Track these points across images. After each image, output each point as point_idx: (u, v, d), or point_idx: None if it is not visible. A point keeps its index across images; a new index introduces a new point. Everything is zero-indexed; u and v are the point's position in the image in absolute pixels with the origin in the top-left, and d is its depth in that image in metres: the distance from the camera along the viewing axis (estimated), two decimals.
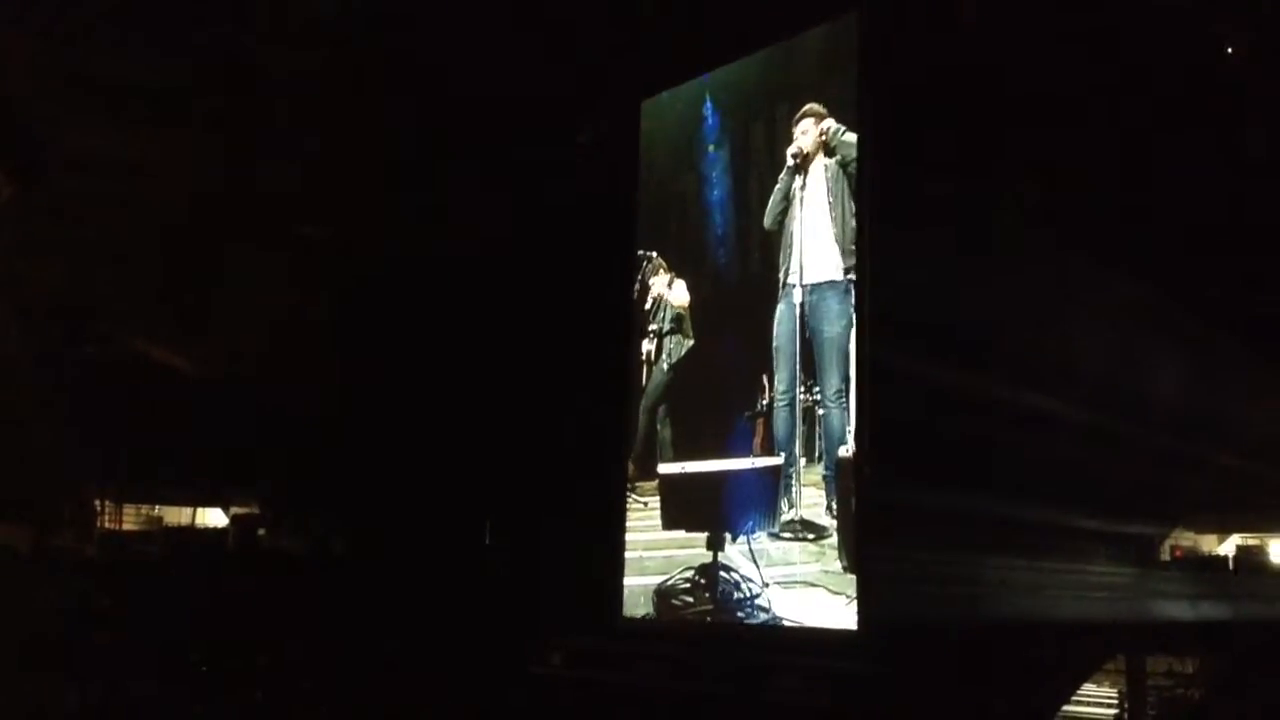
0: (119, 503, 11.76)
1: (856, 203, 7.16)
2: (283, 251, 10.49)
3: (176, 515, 12.29)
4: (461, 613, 9.49)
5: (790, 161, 7.64)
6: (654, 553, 8.30)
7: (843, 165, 7.30)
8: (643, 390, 8.79)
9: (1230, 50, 6.45)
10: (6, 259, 10.49)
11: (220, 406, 10.99)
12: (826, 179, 7.43)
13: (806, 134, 7.55)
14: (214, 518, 12.50)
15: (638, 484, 8.59)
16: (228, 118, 9.41)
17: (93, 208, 9.97)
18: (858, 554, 6.70)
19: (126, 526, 11.85)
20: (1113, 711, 7.71)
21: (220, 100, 9.15)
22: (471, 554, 9.70)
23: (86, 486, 11.52)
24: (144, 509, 12.08)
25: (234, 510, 12.22)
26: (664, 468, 8.41)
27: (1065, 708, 7.45)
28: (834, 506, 6.98)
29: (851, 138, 7.28)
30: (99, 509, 11.65)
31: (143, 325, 11.22)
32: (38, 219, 9.92)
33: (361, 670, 9.85)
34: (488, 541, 9.73)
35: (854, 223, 7.15)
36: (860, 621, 6.57)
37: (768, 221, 7.81)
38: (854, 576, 6.69)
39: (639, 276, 8.89)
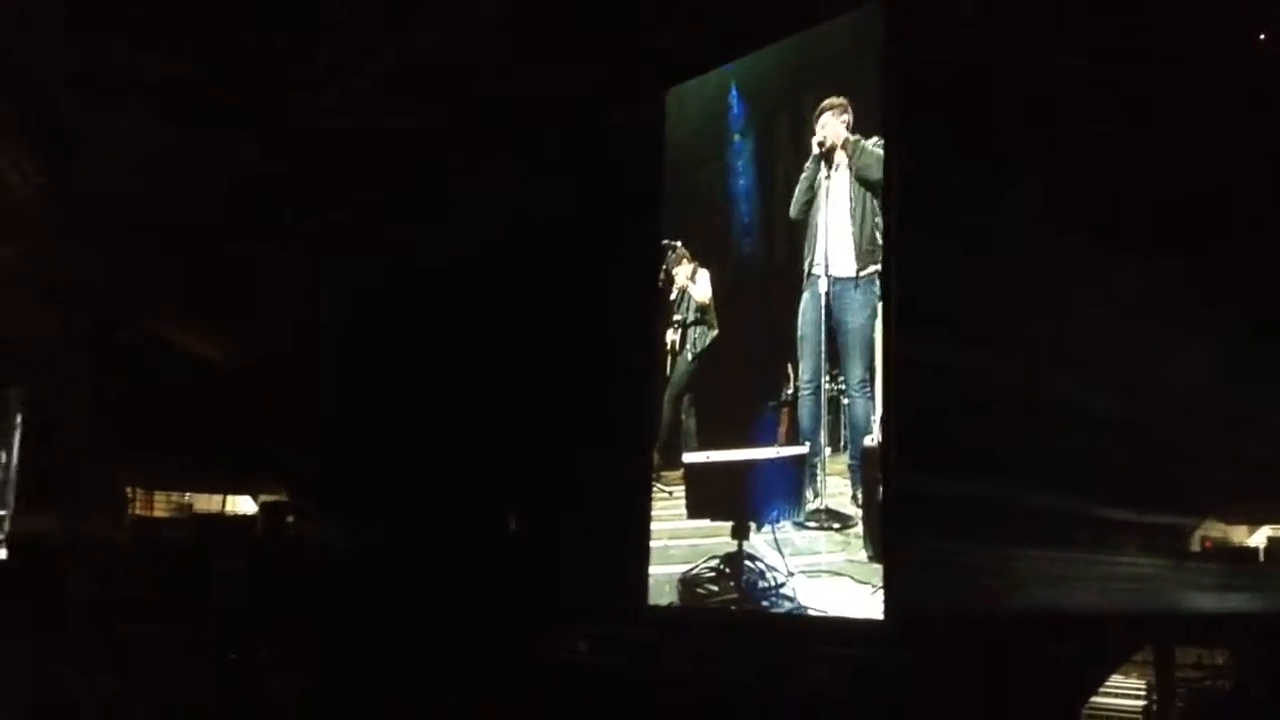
0: (150, 489, 11.90)
1: (882, 192, 7.13)
2: (310, 240, 10.56)
3: (206, 502, 12.43)
4: (486, 601, 9.54)
5: (815, 150, 7.62)
6: (679, 541, 8.32)
7: (860, 178, 7.28)
8: (667, 380, 8.80)
9: (1262, 38, 6.37)
10: (38, 246, 10.63)
11: (249, 394, 11.09)
12: (849, 172, 7.40)
13: (829, 126, 7.52)
14: (243, 505, 12.63)
15: (662, 473, 8.62)
16: (254, 108, 9.47)
17: (122, 196, 10.06)
18: (883, 544, 6.70)
19: (157, 513, 11.99)
20: (1141, 703, 7.65)
21: (246, 92, 9.20)
22: (496, 542, 9.73)
23: (118, 473, 11.65)
24: (174, 496, 12.21)
25: (262, 498, 12.34)
26: (688, 457, 8.43)
27: (1093, 699, 7.40)
28: (859, 496, 6.98)
29: (870, 145, 7.26)
30: (130, 496, 11.79)
31: (173, 313, 11.33)
32: (68, 206, 10.03)
33: (386, 658, 9.92)
34: (512, 530, 9.76)
35: (877, 214, 7.13)
36: (886, 611, 6.58)
37: (794, 212, 7.79)
38: (880, 566, 6.70)
39: (663, 266, 8.90)
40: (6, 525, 10.67)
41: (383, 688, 9.75)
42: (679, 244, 8.85)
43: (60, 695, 9.83)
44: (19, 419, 10.78)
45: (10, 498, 10.74)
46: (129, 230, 10.17)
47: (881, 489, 6.79)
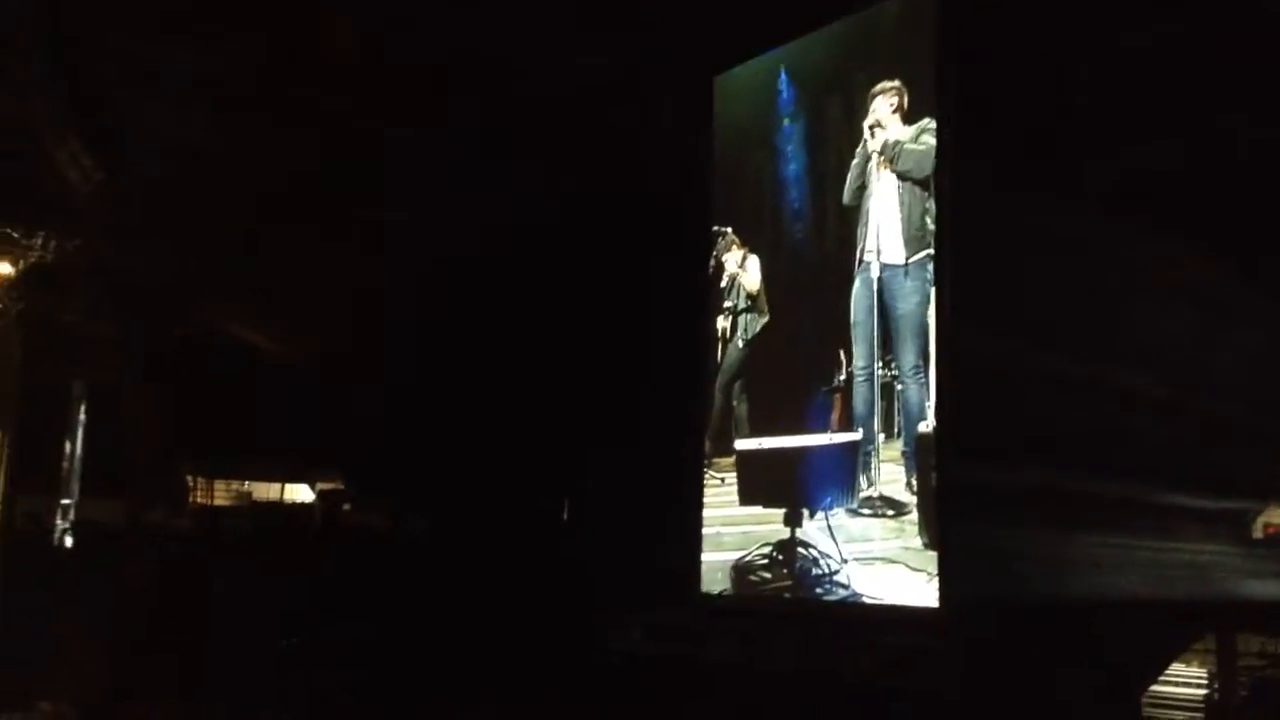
0: (210, 479, 12.11)
1: (934, 176, 7.06)
2: (362, 231, 10.65)
3: (265, 491, 12.63)
4: (540, 589, 9.61)
5: (868, 134, 7.55)
6: (731, 529, 8.31)
7: (909, 164, 7.21)
8: (718, 367, 8.79)
9: None
10: (100, 242, 10.83)
11: (306, 385, 11.24)
12: (900, 157, 7.32)
13: (881, 110, 7.45)
14: (301, 494, 12.82)
15: (714, 460, 8.61)
16: (307, 103, 9.56)
17: (181, 190, 10.21)
18: (938, 531, 6.64)
19: (217, 502, 12.21)
20: (1203, 691, 7.55)
21: (299, 86, 9.30)
22: (549, 531, 9.80)
23: (179, 463, 11.87)
24: (234, 485, 12.42)
25: (320, 486, 12.51)
26: (740, 443, 8.41)
27: (1154, 687, 7.31)
28: (914, 482, 6.92)
29: (913, 147, 7.18)
30: (191, 485, 12.01)
31: (231, 306, 11.50)
32: (129, 201, 10.19)
33: (441, 646, 10.03)
34: (565, 518, 9.82)
35: (928, 198, 7.06)
36: (941, 599, 6.52)
37: (846, 197, 7.73)
38: (935, 554, 6.65)
39: (714, 253, 8.88)
40: (72, 513, 10.91)
41: (435, 677, 9.86)
42: (729, 230, 8.82)
43: (124, 679, 10.06)
44: (83, 411, 11.01)
45: (75, 487, 10.98)
46: (187, 226, 10.33)
47: (935, 476, 6.73)
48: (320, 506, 12.29)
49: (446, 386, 10.66)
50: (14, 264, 11.14)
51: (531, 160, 9.74)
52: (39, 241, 10.92)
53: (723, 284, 8.83)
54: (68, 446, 11.12)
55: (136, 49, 9.11)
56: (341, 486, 12.39)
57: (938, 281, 6.92)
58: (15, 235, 11.01)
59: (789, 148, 8.39)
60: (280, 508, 12.55)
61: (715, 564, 8.31)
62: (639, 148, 9.41)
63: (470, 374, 10.59)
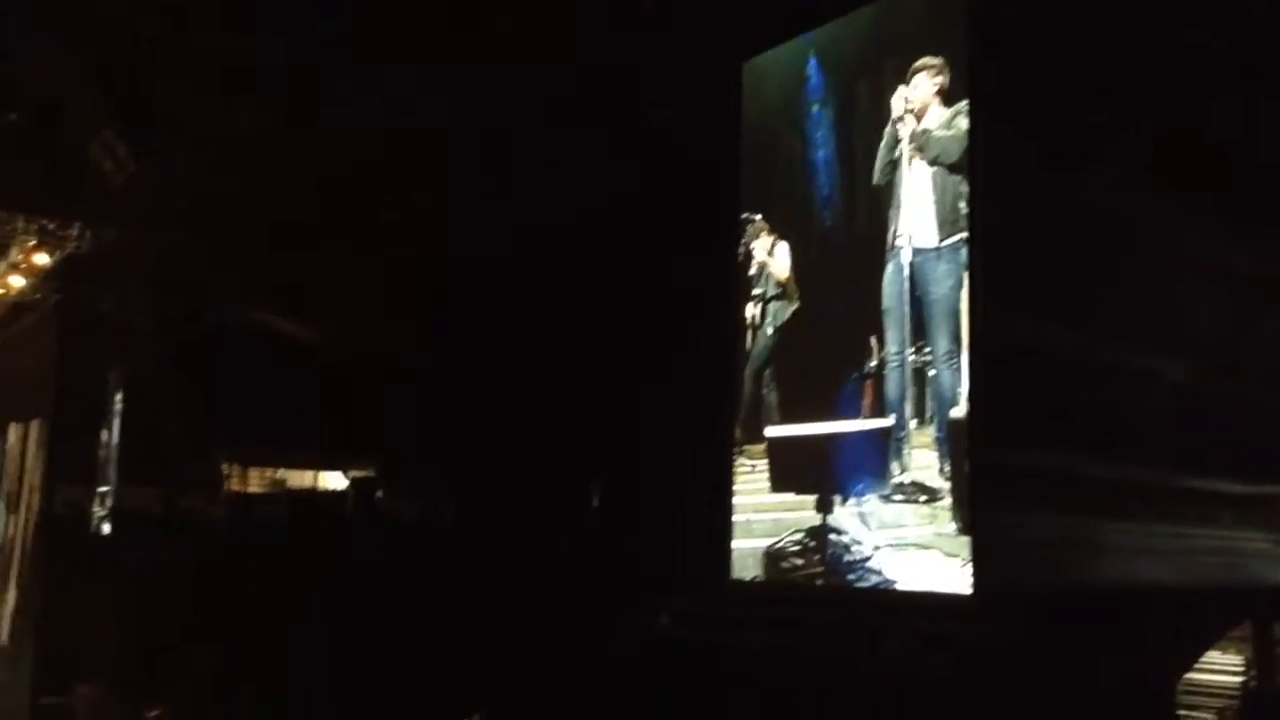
0: (244, 466, 12.24)
1: (967, 158, 7.01)
2: (394, 220, 10.71)
3: (299, 478, 12.74)
4: (569, 575, 9.66)
5: (899, 112, 7.48)
6: (762, 515, 8.31)
7: (942, 146, 7.15)
8: (747, 355, 8.78)
9: None
10: (135, 232, 10.96)
11: (339, 373, 11.33)
12: (932, 138, 7.27)
13: (920, 87, 7.37)
14: (333, 481, 12.92)
15: (745, 447, 8.61)
16: (341, 89, 9.60)
17: (212, 179, 10.30)
18: (972, 517, 6.62)
19: (252, 489, 12.34)
20: (1239, 679, 7.48)
21: (333, 73, 9.34)
22: (579, 519, 9.83)
23: (214, 450, 12.00)
24: (268, 472, 12.54)
25: (353, 474, 12.61)
26: (770, 430, 8.41)
27: (1188, 675, 7.26)
28: (947, 468, 6.90)
29: (942, 133, 7.13)
30: (226, 472, 12.14)
31: (265, 295, 11.60)
32: (163, 191, 10.29)
33: (472, 632, 10.10)
34: (595, 506, 9.85)
35: (961, 181, 7.01)
36: (975, 586, 6.50)
37: (877, 177, 7.69)
38: (968, 539, 6.62)
39: (742, 240, 8.86)
40: (110, 500, 11.05)
41: (464, 663, 9.94)
42: (758, 217, 8.80)
43: (162, 664, 10.21)
44: (119, 399, 11.14)
45: (113, 474, 11.12)
46: (222, 217, 10.42)
47: (968, 461, 6.70)
48: (353, 493, 12.39)
49: (478, 373, 10.72)
50: (50, 255, 11.30)
51: (559, 147, 9.75)
52: (74, 232, 11.07)
53: (751, 271, 8.82)
54: (105, 435, 11.25)
55: (169, 36, 9.16)
56: (374, 474, 12.48)
57: (971, 265, 6.87)
58: (51, 227, 11.17)
59: (818, 134, 8.36)
60: (314, 495, 12.66)
61: (746, 551, 8.32)
62: (666, 136, 9.39)
63: (501, 361, 10.64)
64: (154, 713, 9.87)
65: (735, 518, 8.48)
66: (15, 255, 11.98)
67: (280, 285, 11.41)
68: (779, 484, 8.23)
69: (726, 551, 8.42)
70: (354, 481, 12.52)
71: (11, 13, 8.82)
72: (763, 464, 8.42)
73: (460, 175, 10.08)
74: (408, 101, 9.54)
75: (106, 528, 11.00)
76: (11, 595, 11.23)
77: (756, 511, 8.34)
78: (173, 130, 9.66)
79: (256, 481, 12.40)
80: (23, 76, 9.47)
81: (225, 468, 12.10)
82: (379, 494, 12.17)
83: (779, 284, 8.59)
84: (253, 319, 11.73)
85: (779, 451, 8.29)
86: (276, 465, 12.53)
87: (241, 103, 9.39)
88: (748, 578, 8.26)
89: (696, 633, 8.34)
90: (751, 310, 8.80)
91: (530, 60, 8.89)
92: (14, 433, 11.98)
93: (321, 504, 12.39)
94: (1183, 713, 6.76)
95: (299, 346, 11.65)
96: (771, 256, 8.65)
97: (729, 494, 8.57)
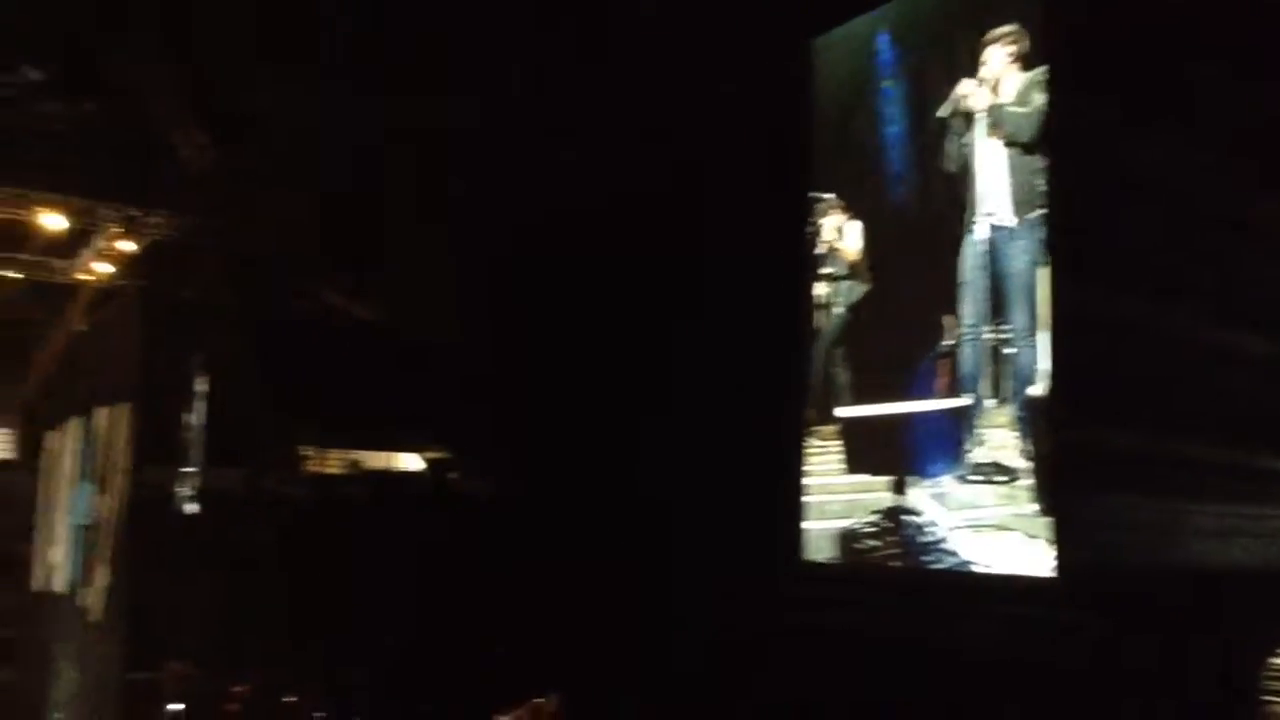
0: (323, 447, 12.48)
1: (1045, 134, 6.87)
2: (460, 202, 10.80)
3: (374, 459, 12.96)
4: (640, 557, 9.70)
5: (972, 86, 7.35)
6: (835, 497, 8.27)
7: (1009, 138, 7.02)
8: (819, 335, 8.73)
9: None
10: (216, 218, 11.21)
11: (414, 355, 11.49)
12: (1008, 112, 7.14)
13: (995, 57, 7.23)
14: (407, 462, 13.14)
15: (817, 428, 8.57)
16: (406, 76, 9.70)
17: (290, 167, 10.48)
18: (1053, 498, 6.52)
19: (329, 470, 12.59)
20: None
21: (401, 59, 9.44)
22: (650, 500, 9.86)
23: (293, 432, 12.25)
24: (347, 453, 12.78)
25: (427, 454, 12.80)
26: (843, 411, 8.35)
27: (1273, 659, 7.10)
28: (1025, 448, 6.80)
29: (1015, 110, 6.99)
30: (304, 453, 12.40)
31: (342, 279, 11.80)
32: (243, 179, 10.51)
33: (546, 612, 10.20)
34: (666, 487, 9.86)
35: (1039, 159, 6.87)
36: (1059, 568, 6.41)
37: (950, 153, 7.57)
38: (1048, 520, 6.53)
39: (813, 220, 8.79)
40: (195, 481, 11.35)
41: (542, 642, 10.03)
42: (829, 196, 8.72)
43: (248, 644, 10.48)
44: (202, 382, 11.42)
45: (198, 456, 11.41)
46: (301, 201, 10.61)
47: (1049, 441, 6.59)
48: (428, 473, 12.58)
49: (548, 354, 10.78)
50: (136, 242, 11.61)
51: (628, 127, 9.74)
52: (158, 219, 11.35)
53: (823, 251, 8.75)
54: (188, 417, 11.54)
55: (249, 27, 9.31)
56: (449, 455, 12.65)
57: (1049, 241, 6.75)
58: (136, 214, 11.46)
59: (890, 110, 8.24)
60: (390, 475, 12.88)
61: (819, 532, 8.30)
62: (734, 114, 9.33)
63: (571, 341, 10.69)
64: (240, 688, 10.14)
65: (808, 499, 8.45)
66: (101, 243, 12.33)
67: (356, 268, 11.59)
68: (854, 465, 8.18)
69: (800, 533, 8.39)
70: (430, 462, 12.72)
71: (92, 6, 9.04)
72: (835, 445, 8.37)
73: (531, 153, 10.10)
74: (481, 79, 9.59)
75: (193, 507, 11.29)
76: (104, 573, 11.59)
77: (829, 493, 8.30)
78: (253, 118, 9.85)
79: (334, 462, 12.65)
80: (106, 67, 9.72)
81: (304, 449, 12.35)
82: (453, 474, 12.34)
83: (850, 263, 8.51)
84: (329, 302, 11.93)
85: (853, 432, 8.23)
86: (353, 447, 12.77)
87: (320, 89, 9.52)
88: (821, 560, 8.23)
89: (770, 615, 8.34)
90: (822, 290, 8.73)
91: (603, 41, 8.90)
92: (103, 416, 12.33)
93: (399, 484, 12.60)
94: (1267, 697, 6.61)
95: (373, 329, 11.84)
96: (842, 235, 8.57)
97: (800, 475, 8.54)
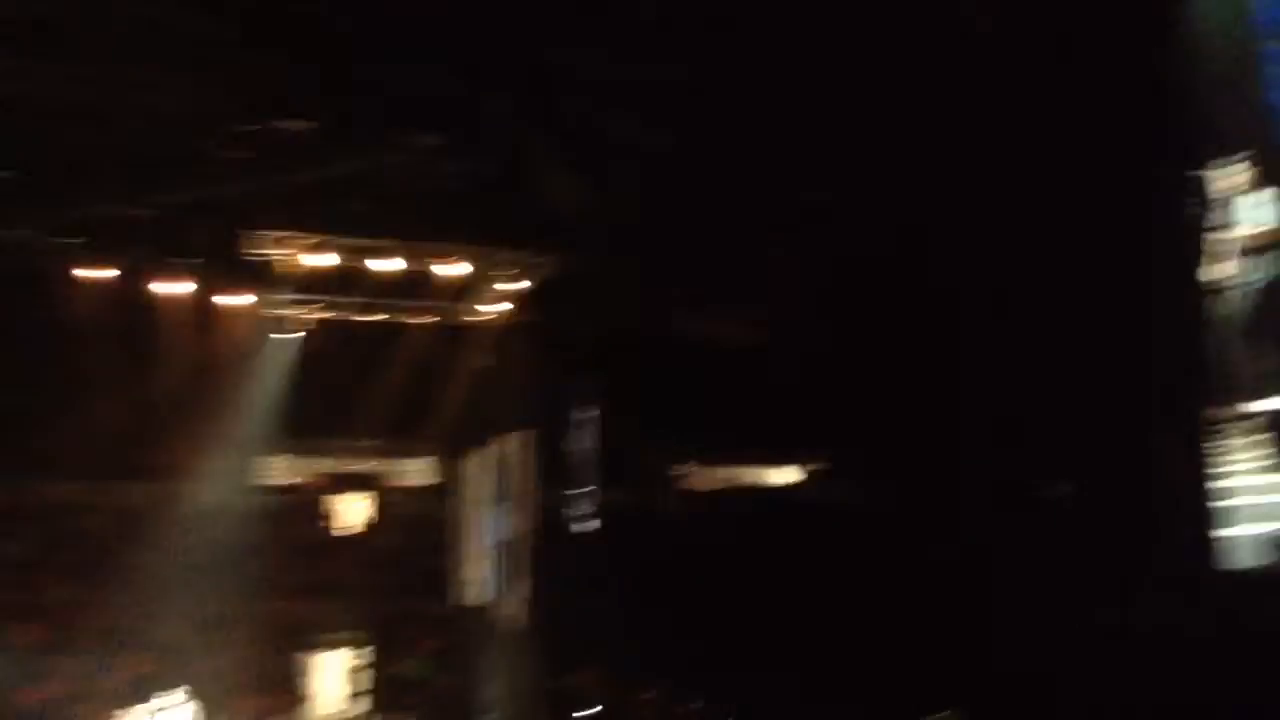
0: (703, 465, 12.90)
1: None
2: (817, 213, 10.76)
3: (749, 475, 13.21)
4: (1040, 565, 9.21)
5: None
6: (1257, 499, 7.48)
7: None
8: (1228, 318, 7.91)
9: None
10: (584, 256, 11.92)
11: (786, 373, 11.61)
12: None
13: None
14: (778, 476, 13.25)
15: (1234, 423, 7.77)
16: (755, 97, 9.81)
17: (651, 198, 10.91)
18: None
19: (708, 486, 12.97)
20: None
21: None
22: (1049, 504, 9.35)
23: (674, 451, 12.76)
24: (725, 470, 13.13)
25: (803, 468, 12.86)
26: (1264, 404, 7.52)
27: None
28: None
29: None
30: (687, 472, 12.87)
31: (709, 303, 12.15)
32: (609, 214, 11.08)
33: (938, 626, 9.93)
34: (1066, 491, 9.32)
35: None
36: None
37: None
38: None
39: (1216, 193, 7.97)
40: (591, 500, 12.06)
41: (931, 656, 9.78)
42: (1236, 165, 7.86)
43: (654, 653, 10.89)
44: (593, 408, 12.11)
45: (590, 476, 12.13)
46: (658, 232, 11.03)
47: None
48: (807, 486, 12.63)
49: (926, 360, 10.48)
50: (528, 281, 12.60)
51: (999, 111, 9.26)
52: (545, 260, 12.25)
53: (1225, 225, 7.91)
54: (579, 441, 12.25)
55: (603, 68, 9.80)
56: (826, 467, 12.64)
57: None
58: (526, 257, 12.44)
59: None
60: (769, 490, 13.08)
61: (1243, 538, 7.52)
62: (1114, 86, 8.67)
63: (943, 348, 10.35)
64: (647, 695, 10.56)
65: (1228, 501, 7.68)
66: (498, 285, 13.44)
67: (726, 294, 11.86)
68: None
69: (1214, 539, 7.65)
70: (810, 475, 12.76)
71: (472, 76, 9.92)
72: (1248, 441, 7.56)
73: (886, 166, 9.90)
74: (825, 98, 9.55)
75: (591, 525, 11.97)
76: (522, 586, 12.50)
77: (1255, 494, 7.50)
78: (615, 158, 10.38)
79: (712, 479, 13.01)
80: (485, 128, 10.60)
81: (687, 467, 12.81)
82: (830, 486, 12.30)
83: (1260, 237, 7.65)
84: (702, 326, 12.30)
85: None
86: (731, 464, 13.08)
87: (671, 121, 9.85)
88: (1247, 567, 7.46)
89: (1186, 623, 7.66)
90: (1229, 268, 7.89)
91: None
92: (509, 442, 13.35)
93: (780, 497, 12.73)
94: None
95: (747, 352, 12.05)
96: (1253, 205, 7.71)
97: (1214, 475, 7.78)
